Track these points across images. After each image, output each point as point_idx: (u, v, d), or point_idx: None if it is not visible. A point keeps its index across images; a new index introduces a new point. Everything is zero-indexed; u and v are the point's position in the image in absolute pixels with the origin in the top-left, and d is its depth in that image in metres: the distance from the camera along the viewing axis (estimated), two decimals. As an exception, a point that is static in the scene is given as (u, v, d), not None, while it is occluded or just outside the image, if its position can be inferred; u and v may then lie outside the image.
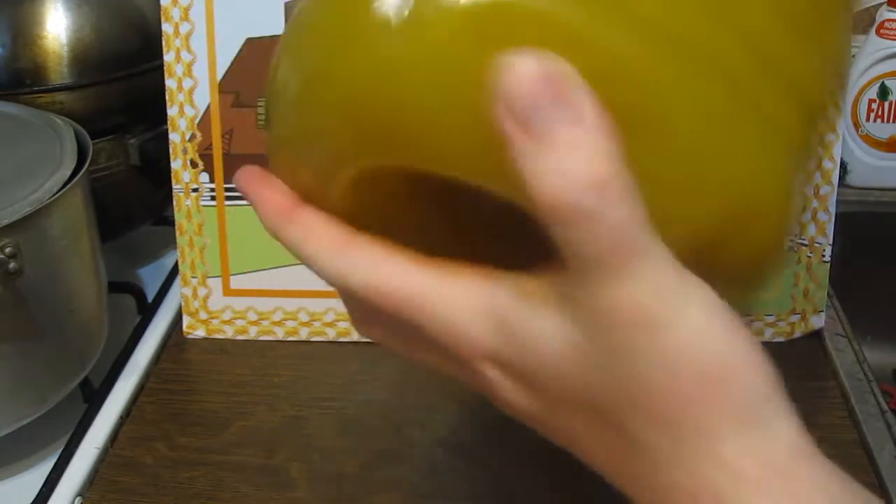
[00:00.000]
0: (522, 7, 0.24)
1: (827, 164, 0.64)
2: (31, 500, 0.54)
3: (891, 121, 0.85)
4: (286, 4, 0.64)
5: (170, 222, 0.69)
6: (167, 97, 0.65)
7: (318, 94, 0.27)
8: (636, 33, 0.25)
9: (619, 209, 0.23)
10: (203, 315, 0.69)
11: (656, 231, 0.25)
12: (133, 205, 0.77)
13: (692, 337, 0.25)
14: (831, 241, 0.66)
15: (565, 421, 0.28)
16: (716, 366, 0.25)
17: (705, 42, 0.26)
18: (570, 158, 0.23)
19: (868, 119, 0.86)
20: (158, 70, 0.65)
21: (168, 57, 0.65)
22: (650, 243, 0.24)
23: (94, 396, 0.63)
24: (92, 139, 0.64)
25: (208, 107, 0.65)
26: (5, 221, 0.52)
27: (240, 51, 0.65)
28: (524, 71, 0.23)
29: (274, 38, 0.64)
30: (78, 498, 0.55)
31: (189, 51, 0.65)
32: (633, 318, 0.24)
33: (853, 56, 0.84)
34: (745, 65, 0.27)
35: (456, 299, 0.27)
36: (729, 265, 0.27)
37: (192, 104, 0.65)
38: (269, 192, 0.29)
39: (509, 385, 0.28)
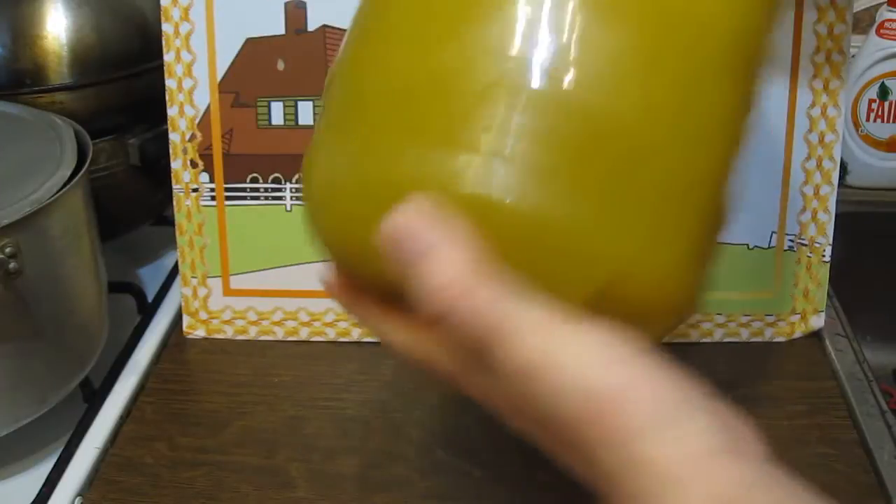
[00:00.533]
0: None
1: (827, 164, 0.64)
2: (31, 500, 0.54)
3: (891, 121, 0.85)
4: (286, 4, 0.64)
5: (170, 222, 0.69)
6: (167, 97, 0.65)
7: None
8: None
9: (474, 299, 0.31)
10: (203, 315, 0.69)
11: (533, 297, 0.31)
12: (133, 205, 0.77)
13: (575, 373, 0.30)
14: (831, 241, 0.66)
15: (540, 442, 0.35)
16: (604, 391, 0.30)
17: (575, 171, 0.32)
18: (431, 273, 0.31)
19: (868, 119, 0.86)
20: (158, 70, 0.65)
21: (168, 57, 0.65)
22: (522, 311, 0.31)
23: (94, 396, 0.63)
24: (92, 139, 0.64)
25: (208, 107, 0.66)
26: (5, 221, 0.52)
27: (240, 51, 0.65)
28: (392, 221, 0.32)
29: (274, 37, 0.64)
30: (78, 498, 0.55)
31: (189, 51, 0.65)
32: (523, 371, 0.31)
33: (853, 56, 0.84)
34: (626, 174, 0.33)
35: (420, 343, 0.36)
36: (627, 316, 0.32)
37: (192, 104, 0.65)
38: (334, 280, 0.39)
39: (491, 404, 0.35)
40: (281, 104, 0.65)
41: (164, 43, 0.65)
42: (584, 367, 0.30)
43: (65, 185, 0.57)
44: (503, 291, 0.31)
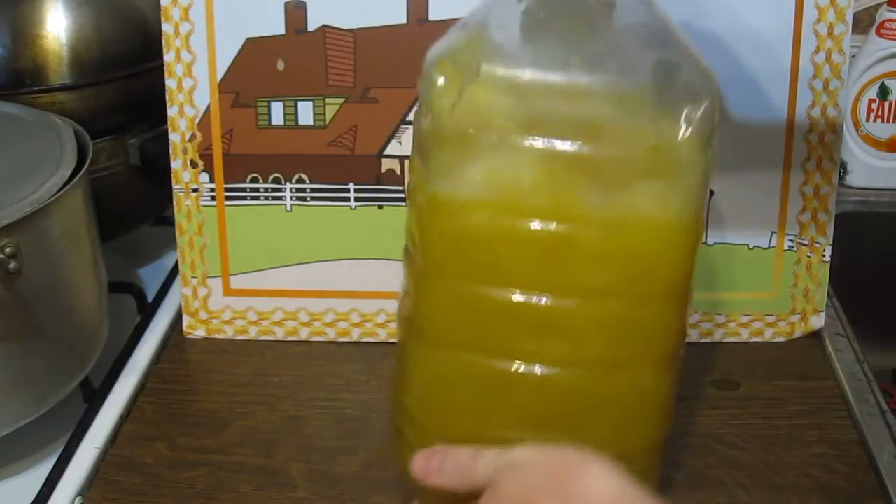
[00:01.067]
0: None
1: (827, 164, 0.64)
2: (31, 500, 0.54)
3: (891, 121, 0.85)
4: (286, 4, 0.64)
5: (170, 222, 0.69)
6: (167, 97, 0.65)
7: None
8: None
9: (447, 464, 0.44)
10: (203, 315, 0.69)
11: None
12: (133, 205, 0.77)
13: None
14: (831, 241, 0.66)
15: None
16: None
17: None
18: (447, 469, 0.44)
19: (868, 119, 0.86)
20: (158, 70, 0.66)
21: (168, 57, 0.65)
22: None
23: (94, 396, 0.63)
24: (92, 139, 0.64)
25: (208, 107, 0.65)
26: (5, 221, 0.52)
27: (240, 51, 0.65)
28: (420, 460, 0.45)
29: (274, 37, 0.64)
30: (78, 498, 0.55)
31: (189, 51, 0.65)
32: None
33: (853, 56, 0.84)
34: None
35: None
36: None
37: (192, 104, 0.65)
38: None
39: None
40: (281, 104, 0.65)
41: (164, 43, 0.65)
42: None
43: (65, 185, 0.57)
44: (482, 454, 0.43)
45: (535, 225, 0.44)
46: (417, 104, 0.48)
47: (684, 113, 0.45)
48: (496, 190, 0.45)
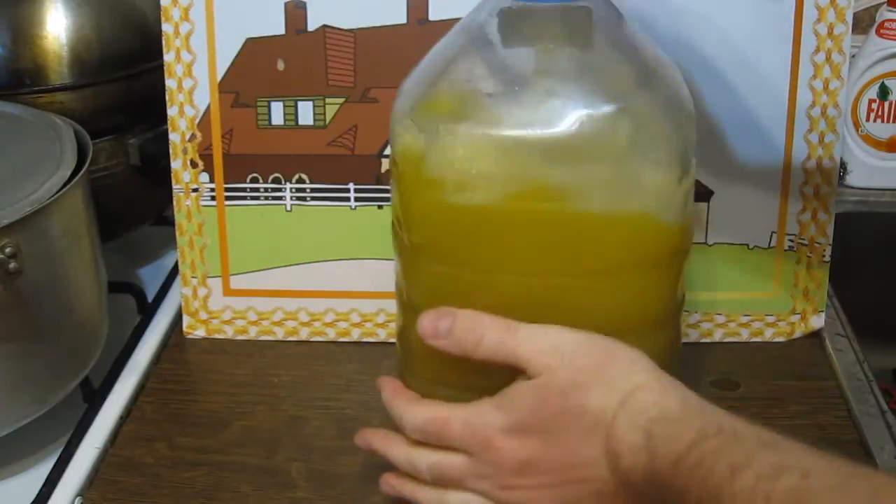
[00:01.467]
0: None
1: (827, 164, 0.64)
2: (31, 500, 0.54)
3: (891, 121, 0.85)
4: (286, 4, 0.64)
5: (170, 222, 0.69)
6: (167, 97, 0.65)
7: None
8: None
9: (488, 337, 0.45)
10: (203, 315, 0.69)
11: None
12: (133, 205, 0.77)
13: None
14: (831, 241, 0.66)
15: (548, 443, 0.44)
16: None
17: None
18: (459, 329, 0.46)
19: (868, 119, 0.86)
20: (158, 70, 0.65)
21: (168, 57, 0.65)
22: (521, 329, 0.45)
23: (94, 396, 0.63)
24: (92, 139, 0.64)
25: (208, 107, 0.65)
26: (5, 221, 0.52)
27: (240, 51, 0.65)
28: (427, 320, 0.47)
29: (274, 37, 0.64)
30: (78, 498, 0.55)
31: (189, 51, 0.65)
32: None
33: (853, 56, 0.84)
34: None
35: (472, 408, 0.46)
36: None
37: (192, 104, 0.65)
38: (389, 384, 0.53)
39: (515, 442, 0.44)
40: (281, 104, 0.65)
41: (164, 43, 0.65)
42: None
43: (65, 185, 0.57)
44: (504, 328, 0.45)
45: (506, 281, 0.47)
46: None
47: (645, 168, 0.46)
48: (463, 248, 0.47)
